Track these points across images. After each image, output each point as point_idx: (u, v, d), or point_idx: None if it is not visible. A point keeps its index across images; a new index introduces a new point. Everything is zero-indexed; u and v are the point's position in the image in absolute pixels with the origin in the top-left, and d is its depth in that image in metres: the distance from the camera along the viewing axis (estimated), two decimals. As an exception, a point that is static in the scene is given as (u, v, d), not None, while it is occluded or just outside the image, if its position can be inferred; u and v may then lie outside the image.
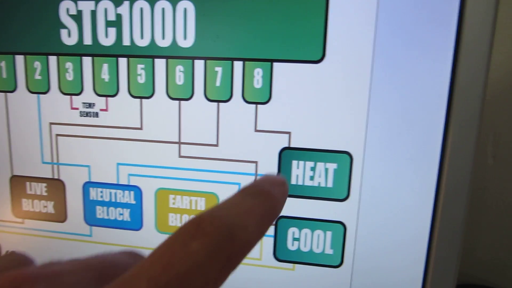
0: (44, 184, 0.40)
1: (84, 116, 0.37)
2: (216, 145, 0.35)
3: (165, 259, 0.11)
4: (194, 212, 0.37)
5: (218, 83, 0.34)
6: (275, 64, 0.33)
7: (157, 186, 0.37)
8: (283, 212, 0.35)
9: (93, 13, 0.35)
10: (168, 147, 0.36)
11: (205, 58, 0.34)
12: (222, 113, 0.35)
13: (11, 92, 0.38)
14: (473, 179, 0.31)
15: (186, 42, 0.34)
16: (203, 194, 0.37)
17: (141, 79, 0.35)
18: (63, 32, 0.36)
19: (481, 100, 0.30)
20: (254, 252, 0.36)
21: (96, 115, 0.37)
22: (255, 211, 0.14)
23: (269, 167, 0.35)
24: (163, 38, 0.34)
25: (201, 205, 0.37)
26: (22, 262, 0.15)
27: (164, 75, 0.35)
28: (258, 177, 0.21)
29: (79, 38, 0.36)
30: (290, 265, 0.36)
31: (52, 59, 0.37)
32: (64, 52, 0.36)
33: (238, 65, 0.33)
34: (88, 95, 0.37)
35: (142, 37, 0.34)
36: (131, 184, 0.38)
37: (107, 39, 0.35)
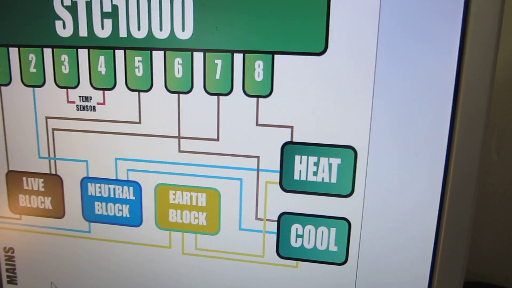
0: (41, 180, 0.39)
1: (81, 110, 0.37)
2: (217, 140, 0.35)
3: None
4: (194, 208, 0.36)
5: (218, 76, 0.33)
6: (276, 56, 0.32)
7: (156, 182, 0.37)
8: (287, 208, 0.35)
9: (88, 4, 0.34)
10: (168, 141, 0.36)
11: (204, 50, 0.33)
12: (222, 107, 0.34)
13: (6, 85, 0.38)
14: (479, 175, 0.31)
15: (185, 33, 0.33)
16: (204, 189, 0.36)
17: (139, 72, 0.34)
18: (58, 24, 0.35)
19: (488, 93, 0.29)
20: (257, 249, 0.36)
21: (93, 108, 0.36)
22: None
23: (271, 162, 0.34)
24: (161, 29, 0.33)
25: (202, 201, 0.36)
26: None
27: (162, 67, 0.34)
28: None
29: (74, 29, 0.35)
30: (293, 262, 0.36)
31: (47, 52, 0.36)
32: (59, 44, 0.35)
33: (238, 57, 0.33)
34: (84, 88, 0.36)
35: (139, 28, 0.34)
36: (130, 179, 0.37)
37: (103, 31, 0.34)
